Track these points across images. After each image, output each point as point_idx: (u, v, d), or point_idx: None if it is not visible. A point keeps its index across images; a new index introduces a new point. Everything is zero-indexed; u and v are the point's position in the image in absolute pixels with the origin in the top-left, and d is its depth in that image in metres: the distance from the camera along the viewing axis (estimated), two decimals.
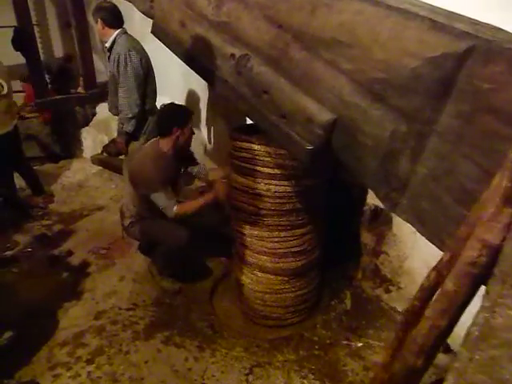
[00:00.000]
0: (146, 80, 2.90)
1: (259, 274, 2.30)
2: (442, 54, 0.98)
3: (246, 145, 2.00)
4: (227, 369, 2.08)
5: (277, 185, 2.00)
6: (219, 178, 2.26)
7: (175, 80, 3.79)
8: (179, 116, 2.40)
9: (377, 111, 1.16)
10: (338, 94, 1.28)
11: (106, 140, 4.93)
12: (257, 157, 1.98)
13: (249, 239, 2.26)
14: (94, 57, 5.22)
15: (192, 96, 3.91)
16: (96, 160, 4.83)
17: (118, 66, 2.78)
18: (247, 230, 2.23)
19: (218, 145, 3.76)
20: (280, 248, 2.20)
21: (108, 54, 2.92)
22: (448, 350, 2.04)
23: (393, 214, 2.39)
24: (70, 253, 3.03)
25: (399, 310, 2.42)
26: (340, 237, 2.59)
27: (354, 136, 1.24)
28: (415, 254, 2.24)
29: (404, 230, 2.30)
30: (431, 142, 1.06)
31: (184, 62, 2.00)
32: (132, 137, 2.96)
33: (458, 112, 0.99)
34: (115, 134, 5.07)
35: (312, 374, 2.05)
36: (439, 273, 0.92)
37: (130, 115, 2.82)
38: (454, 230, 1.03)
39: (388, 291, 2.50)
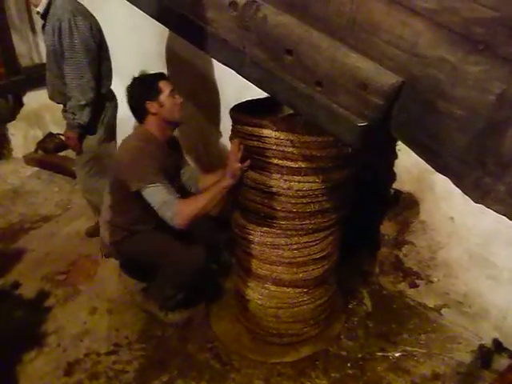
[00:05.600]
0: (100, 54, 2.25)
1: (272, 287, 1.90)
2: None
3: (257, 131, 1.52)
4: None
5: (300, 181, 1.57)
6: (234, 143, 1.64)
7: (125, 55, 3.14)
8: (145, 86, 1.86)
9: (476, 67, 0.89)
10: (407, 47, 0.96)
11: (41, 135, 4.23)
12: (274, 147, 1.51)
13: (258, 248, 1.83)
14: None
15: None
16: (31, 160, 4.10)
17: (60, 36, 2.10)
18: (257, 236, 1.80)
19: (189, 135, 3.14)
20: (300, 256, 1.80)
21: (42, 22, 2.22)
22: None
23: (419, 199, 2.05)
24: (16, 285, 2.37)
25: (431, 306, 2.12)
26: (351, 227, 2.22)
27: (431, 104, 0.96)
28: (454, 243, 1.92)
29: (436, 216, 1.97)
30: None
31: (156, 18, 1.47)
32: (86, 130, 2.33)
33: None
34: (51, 128, 4.43)
35: None
36: None
37: (83, 102, 2.17)
38: None
39: (414, 286, 2.19)
